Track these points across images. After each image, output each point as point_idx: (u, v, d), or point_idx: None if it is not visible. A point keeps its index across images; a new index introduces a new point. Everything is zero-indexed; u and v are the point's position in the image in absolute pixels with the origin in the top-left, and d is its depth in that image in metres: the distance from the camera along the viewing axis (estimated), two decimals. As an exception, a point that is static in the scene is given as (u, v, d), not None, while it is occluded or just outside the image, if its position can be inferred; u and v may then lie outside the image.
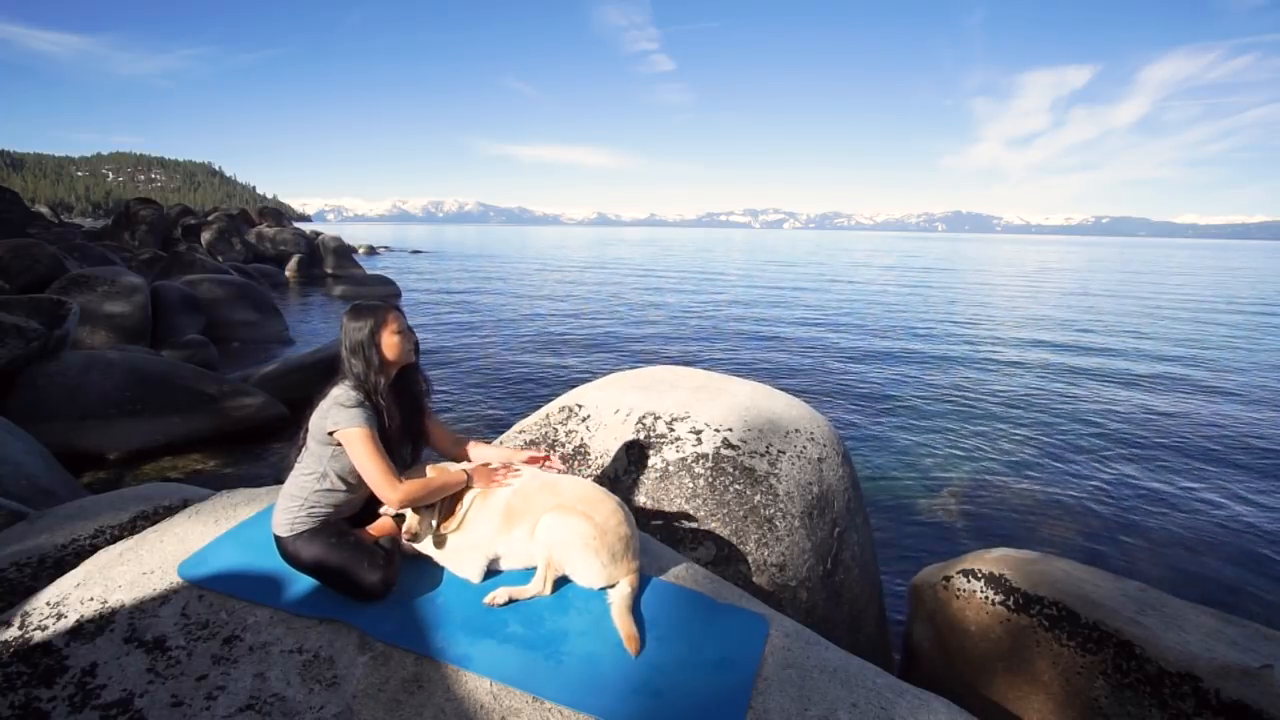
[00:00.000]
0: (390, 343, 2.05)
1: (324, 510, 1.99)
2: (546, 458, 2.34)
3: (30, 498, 3.86)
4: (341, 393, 1.97)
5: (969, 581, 2.69)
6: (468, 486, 2.11)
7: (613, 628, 1.86)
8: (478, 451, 2.32)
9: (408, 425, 2.18)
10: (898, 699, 1.74)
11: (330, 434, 1.95)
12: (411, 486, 1.96)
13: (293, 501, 1.98)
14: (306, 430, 2.03)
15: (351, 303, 2.20)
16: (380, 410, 2.01)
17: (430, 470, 2.11)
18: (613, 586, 1.99)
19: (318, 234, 30.90)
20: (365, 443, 1.91)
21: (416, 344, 2.17)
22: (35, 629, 1.79)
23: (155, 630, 1.79)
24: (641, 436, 2.94)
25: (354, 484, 2.03)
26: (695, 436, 2.89)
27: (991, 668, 2.51)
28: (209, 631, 1.79)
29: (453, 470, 2.12)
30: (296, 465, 2.04)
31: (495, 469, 2.18)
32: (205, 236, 24.58)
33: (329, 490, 1.99)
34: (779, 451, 2.90)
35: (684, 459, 2.81)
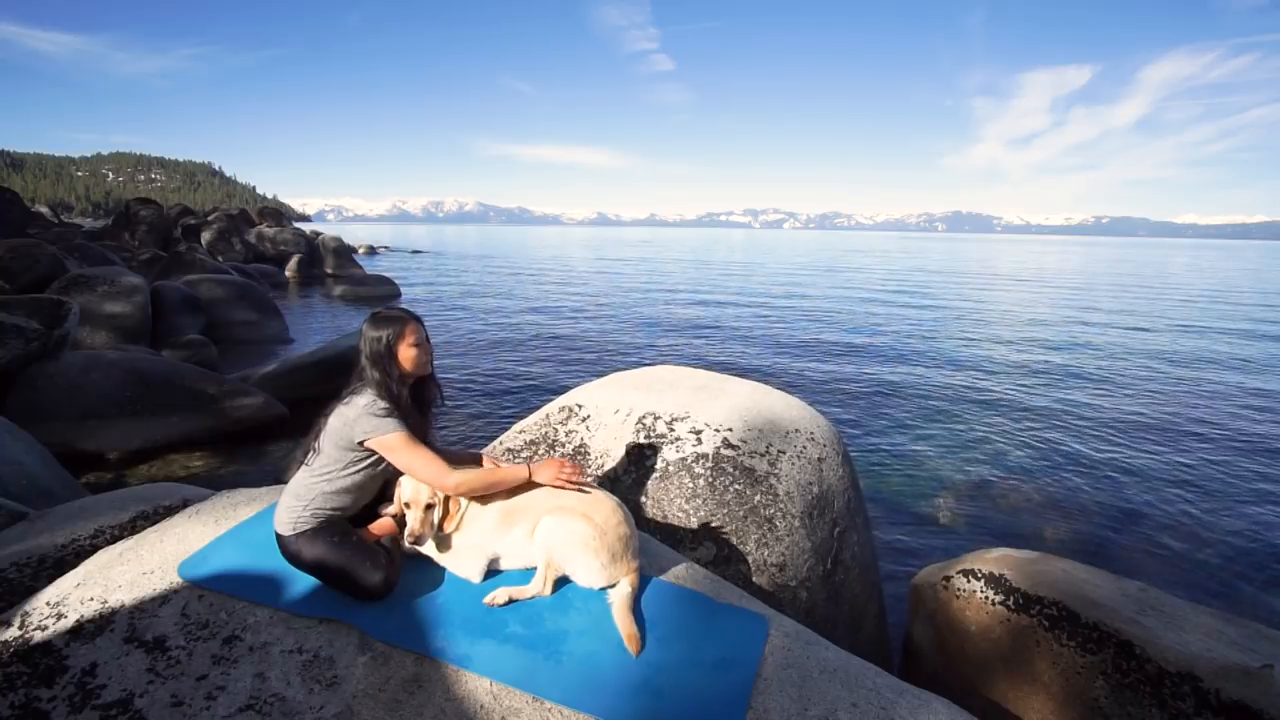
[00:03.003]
0: (408, 355, 2.04)
1: (327, 512, 1.99)
2: (575, 469, 2.16)
3: (30, 498, 3.86)
4: (369, 402, 1.96)
5: (969, 581, 2.69)
6: (530, 482, 2.10)
7: (613, 628, 1.86)
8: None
9: (421, 434, 2.18)
10: (898, 699, 1.74)
11: (361, 443, 1.95)
12: (468, 476, 1.98)
13: (297, 501, 1.98)
14: (320, 433, 2.02)
15: (374, 309, 2.19)
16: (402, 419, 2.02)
17: (486, 463, 2.12)
18: (613, 586, 1.99)
19: (318, 234, 30.90)
20: (409, 444, 1.95)
21: (431, 353, 2.16)
22: (35, 629, 1.79)
23: (155, 630, 1.79)
24: (641, 436, 2.94)
25: (364, 491, 2.05)
26: (695, 436, 2.89)
27: (991, 668, 2.51)
28: (209, 631, 1.79)
29: (511, 465, 2.13)
30: (305, 466, 2.03)
31: (563, 463, 2.13)
32: (205, 236, 24.58)
33: (337, 494, 2.00)
34: (779, 451, 2.90)
35: (684, 459, 2.81)
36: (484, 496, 2.10)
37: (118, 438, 6.22)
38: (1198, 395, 10.18)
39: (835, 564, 2.88)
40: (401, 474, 2.07)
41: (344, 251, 27.27)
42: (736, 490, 2.72)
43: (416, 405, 2.17)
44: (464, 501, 2.09)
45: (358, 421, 1.94)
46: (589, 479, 2.30)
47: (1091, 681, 2.21)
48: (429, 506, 2.02)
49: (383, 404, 1.96)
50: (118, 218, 25.98)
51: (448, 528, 2.06)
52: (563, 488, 2.10)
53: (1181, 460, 7.28)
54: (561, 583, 2.03)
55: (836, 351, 13.21)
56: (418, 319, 2.11)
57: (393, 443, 1.93)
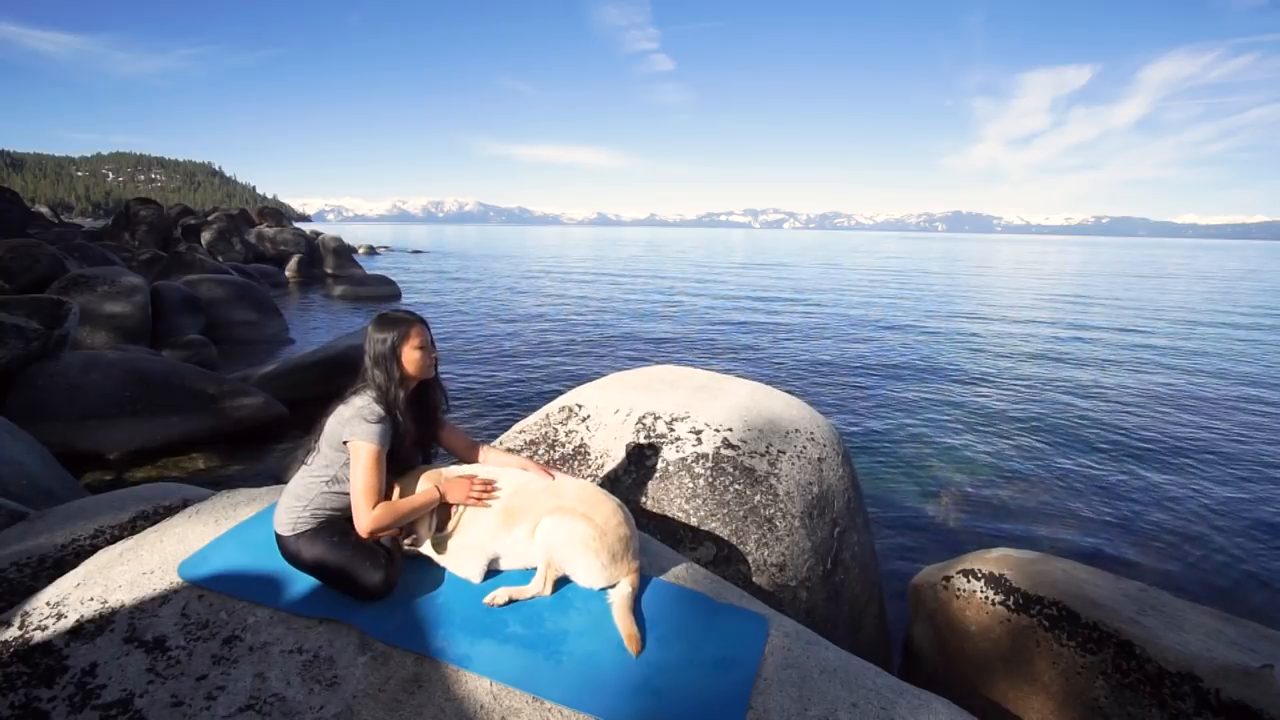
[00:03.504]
0: (411, 358, 2.03)
1: (327, 512, 1.99)
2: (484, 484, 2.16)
3: (30, 498, 3.86)
4: (366, 405, 1.96)
5: (969, 581, 2.69)
6: (443, 501, 2.06)
7: (613, 628, 1.86)
8: (492, 456, 2.30)
9: (421, 437, 2.18)
10: (898, 699, 1.74)
11: (345, 442, 1.95)
12: (380, 514, 1.91)
13: (297, 501, 1.98)
14: (320, 432, 2.02)
15: (378, 310, 2.18)
16: (399, 425, 2.01)
17: (422, 481, 2.08)
18: (613, 587, 1.99)
19: (318, 234, 30.90)
20: (369, 461, 1.91)
21: (436, 358, 2.14)
22: (35, 629, 1.79)
23: (155, 630, 1.79)
24: (641, 436, 2.94)
25: None
26: (695, 436, 2.89)
27: (991, 668, 2.51)
28: (209, 631, 1.79)
29: (424, 486, 2.06)
30: (305, 466, 2.03)
31: (473, 481, 2.10)
32: (205, 236, 24.57)
33: (336, 494, 2.00)
34: (779, 451, 2.90)
35: (684, 459, 2.81)
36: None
37: (118, 438, 6.22)
38: (1198, 395, 10.18)
39: (835, 564, 2.88)
40: (398, 476, 2.07)
41: (344, 251, 27.27)
42: (736, 490, 2.72)
43: (421, 410, 2.16)
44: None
45: (348, 423, 1.94)
46: (498, 483, 2.15)
47: (1091, 681, 2.21)
48: (429, 506, 2.02)
49: (378, 409, 1.96)
50: (118, 218, 26.00)
51: (447, 528, 2.06)
52: (476, 504, 2.06)
53: (1181, 460, 7.28)
54: (561, 583, 2.03)
55: (836, 351, 13.21)
56: (423, 321, 2.10)
57: (360, 450, 1.91)
